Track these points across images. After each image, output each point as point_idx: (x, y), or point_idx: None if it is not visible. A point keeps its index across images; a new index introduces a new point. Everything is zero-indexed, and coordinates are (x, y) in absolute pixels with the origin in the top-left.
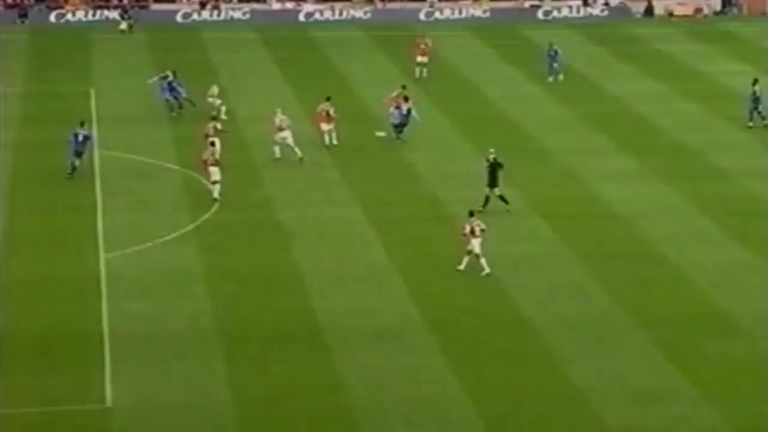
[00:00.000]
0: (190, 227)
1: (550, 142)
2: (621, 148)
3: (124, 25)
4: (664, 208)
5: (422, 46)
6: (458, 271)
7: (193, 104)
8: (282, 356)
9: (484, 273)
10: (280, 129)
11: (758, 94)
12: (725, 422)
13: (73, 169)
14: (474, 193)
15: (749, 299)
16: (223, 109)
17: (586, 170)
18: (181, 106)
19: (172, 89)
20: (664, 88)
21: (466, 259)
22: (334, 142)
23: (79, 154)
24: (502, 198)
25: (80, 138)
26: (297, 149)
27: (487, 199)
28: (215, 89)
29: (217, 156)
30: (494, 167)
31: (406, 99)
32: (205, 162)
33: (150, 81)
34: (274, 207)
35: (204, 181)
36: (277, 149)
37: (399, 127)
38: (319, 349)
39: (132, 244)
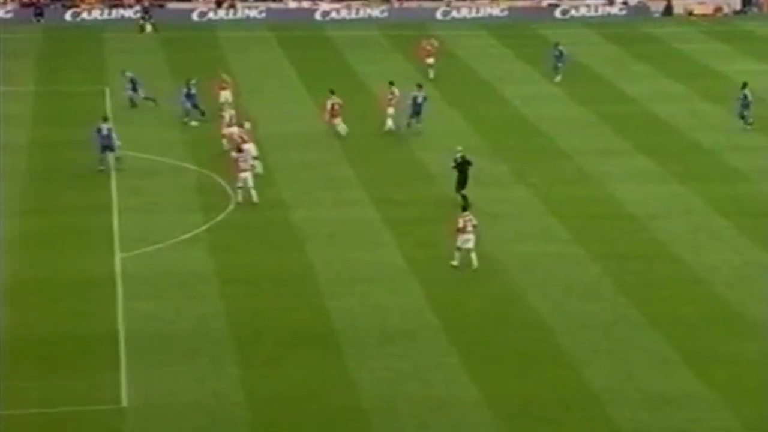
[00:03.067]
0: (204, 228)
1: (565, 142)
2: (637, 148)
3: (149, 28)
4: (679, 209)
5: (428, 48)
6: (453, 267)
7: (202, 114)
8: (294, 357)
9: (452, 265)
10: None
11: (749, 98)
12: (739, 424)
13: (103, 163)
14: (488, 192)
15: (763, 300)
16: (232, 112)
17: (602, 170)
18: (203, 113)
19: (189, 97)
20: (681, 88)
21: (457, 254)
22: (343, 133)
23: (107, 148)
24: (464, 197)
25: (104, 131)
26: (259, 164)
27: (464, 199)
28: (228, 94)
29: (249, 161)
30: (463, 166)
31: (419, 86)
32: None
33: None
34: (287, 207)
35: (220, 180)
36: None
37: (415, 116)
38: (331, 350)
39: (147, 244)
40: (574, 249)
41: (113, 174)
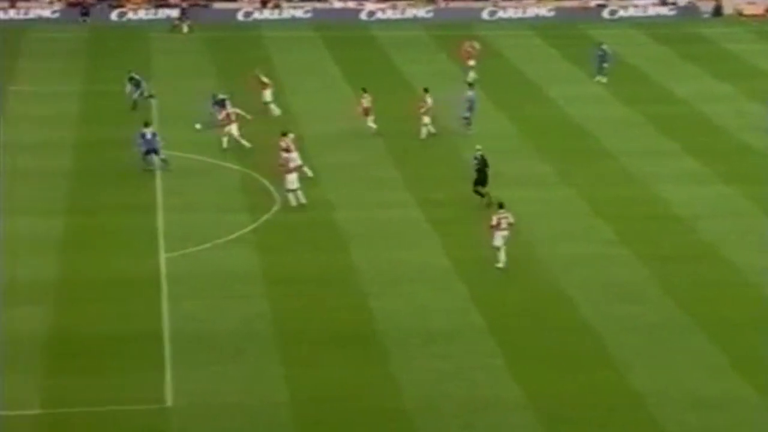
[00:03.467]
0: (249, 228)
1: (612, 142)
2: (684, 149)
3: (185, 28)
4: (727, 211)
5: (469, 50)
6: (499, 269)
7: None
8: (338, 357)
9: (498, 265)
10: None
11: None
12: None
13: (148, 164)
14: (533, 192)
15: None
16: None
17: (648, 171)
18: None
19: (219, 104)
20: (730, 89)
21: (499, 255)
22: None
23: (152, 151)
24: (478, 193)
25: (148, 135)
26: (307, 168)
27: (482, 196)
28: (269, 93)
29: (295, 163)
30: (481, 165)
31: (470, 86)
32: (283, 167)
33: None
34: (331, 208)
35: (264, 180)
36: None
37: (467, 118)
38: (375, 350)
39: (192, 244)
40: (619, 250)
41: (158, 174)
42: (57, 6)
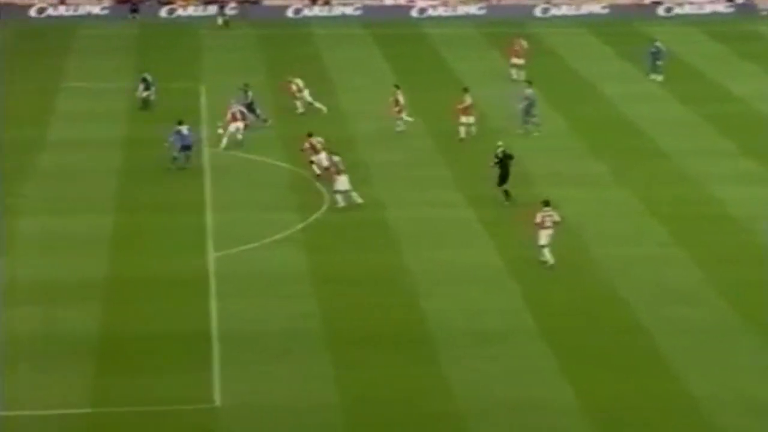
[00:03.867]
0: (298, 227)
1: (666, 141)
2: (741, 149)
3: (219, 20)
4: None
5: (516, 48)
6: (551, 267)
7: (265, 121)
8: (387, 358)
9: (549, 264)
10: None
11: None
12: None
13: (178, 161)
14: (587, 192)
15: None
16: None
17: (704, 171)
18: (266, 120)
19: (247, 106)
20: None
21: (546, 253)
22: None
23: (187, 148)
24: (506, 192)
25: (185, 131)
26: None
27: (506, 194)
28: (307, 94)
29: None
30: (504, 161)
31: (529, 83)
32: (327, 169)
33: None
34: (381, 207)
35: (313, 179)
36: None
37: (534, 116)
38: (425, 351)
39: (241, 243)
40: (674, 251)
41: (207, 172)
42: (106, 3)
